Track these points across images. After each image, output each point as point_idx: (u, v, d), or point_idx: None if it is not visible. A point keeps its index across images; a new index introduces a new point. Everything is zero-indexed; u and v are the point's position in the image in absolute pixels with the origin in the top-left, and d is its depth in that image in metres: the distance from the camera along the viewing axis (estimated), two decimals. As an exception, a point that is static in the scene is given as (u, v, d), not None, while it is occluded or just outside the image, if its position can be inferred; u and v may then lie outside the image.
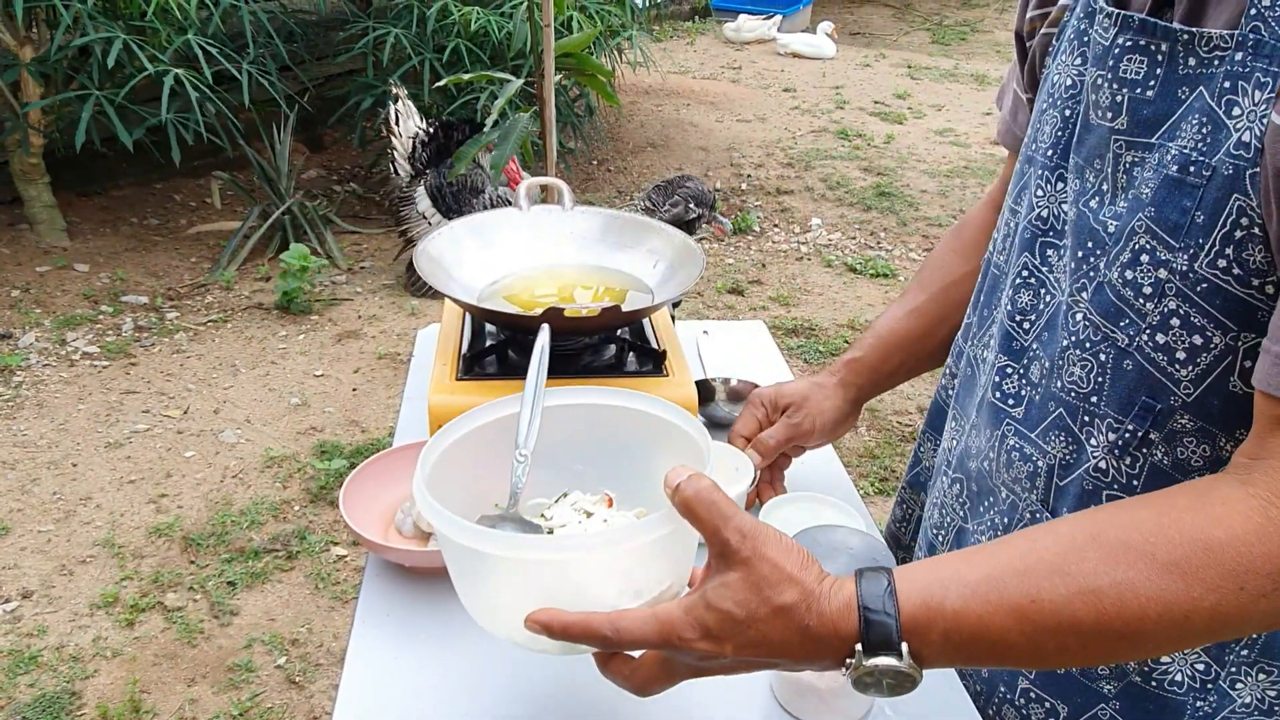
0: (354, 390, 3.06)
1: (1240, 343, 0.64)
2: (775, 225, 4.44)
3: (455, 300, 1.07)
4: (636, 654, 0.64)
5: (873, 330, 1.03)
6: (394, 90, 3.61)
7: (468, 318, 1.19)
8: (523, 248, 1.22)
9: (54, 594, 2.21)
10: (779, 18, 7.81)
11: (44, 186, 3.69)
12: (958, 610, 0.56)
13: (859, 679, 0.57)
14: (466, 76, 2.72)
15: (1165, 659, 0.75)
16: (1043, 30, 0.81)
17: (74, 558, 2.32)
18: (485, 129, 2.80)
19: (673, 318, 1.27)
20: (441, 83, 2.83)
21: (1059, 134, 0.75)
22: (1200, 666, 0.74)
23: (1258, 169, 0.59)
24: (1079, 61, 0.73)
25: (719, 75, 6.81)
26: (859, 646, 0.56)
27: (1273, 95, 0.58)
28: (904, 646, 0.56)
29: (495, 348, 1.12)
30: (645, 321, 1.17)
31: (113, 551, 2.34)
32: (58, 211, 3.77)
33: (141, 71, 3.25)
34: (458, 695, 0.81)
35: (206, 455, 2.71)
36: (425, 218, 3.63)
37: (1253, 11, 0.60)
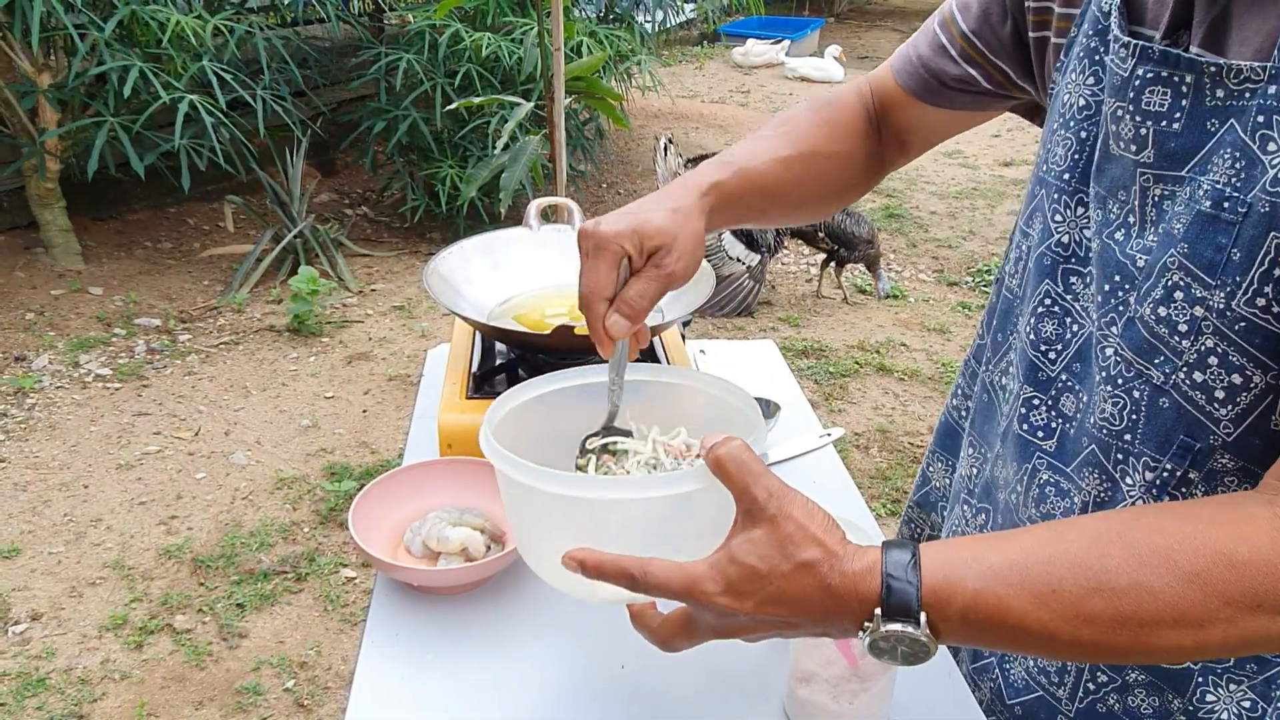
0: (364, 412, 3.06)
1: None
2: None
3: (465, 319, 1.07)
4: (664, 611, 0.65)
5: (736, 162, 0.85)
6: (658, 135, 3.58)
7: (478, 336, 1.19)
8: (532, 267, 1.23)
9: (63, 616, 2.21)
10: (787, 42, 7.88)
11: (59, 211, 3.73)
12: (978, 589, 0.57)
13: (874, 642, 0.58)
14: (477, 100, 2.74)
15: (1210, 697, 0.73)
16: (1053, 40, 0.78)
17: (83, 579, 2.32)
18: (495, 152, 2.82)
19: (683, 337, 1.27)
20: (452, 106, 2.85)
21: (1075, 157, 0.73)
22: (1246, 704, 0.73)
23: None
24: (1092, 82, 0.71)
25: (728, 99, 6.85)
26: (878, 611, 0.57)
27: None
28: (922, 616, 0.57)
29: (505, 366, 1.12)
30: (656, 340, 1.17)
31: (122, 573, 2.34)
32: (73, 235, 3.81)
33: (157, 98, 3.29)
34: (467, 717, 0.81)
35: (217, 477, 2.71)
36: (741, 260, 3.71)
37: None
